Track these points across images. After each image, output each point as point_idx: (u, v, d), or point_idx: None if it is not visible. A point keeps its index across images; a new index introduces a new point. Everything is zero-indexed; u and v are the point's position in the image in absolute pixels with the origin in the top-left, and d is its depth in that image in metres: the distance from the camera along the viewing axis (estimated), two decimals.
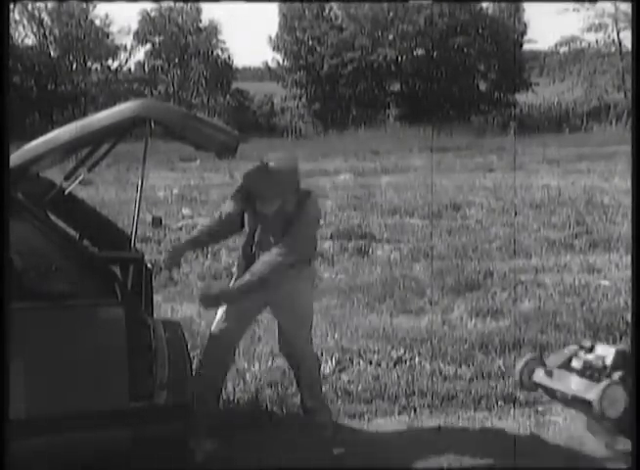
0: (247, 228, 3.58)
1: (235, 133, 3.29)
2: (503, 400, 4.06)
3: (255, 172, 3.48)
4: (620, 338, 4.83)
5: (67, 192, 3.41)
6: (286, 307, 3.58)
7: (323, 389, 3.87)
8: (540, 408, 4.01)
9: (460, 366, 4.49)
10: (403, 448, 3.59)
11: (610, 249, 7.45)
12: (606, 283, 6.20)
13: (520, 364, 3.60)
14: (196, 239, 3.76)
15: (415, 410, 3.96)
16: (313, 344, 3.81)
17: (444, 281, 6.20)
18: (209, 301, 3.54)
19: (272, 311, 3.71)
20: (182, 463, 3.15)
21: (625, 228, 8.16)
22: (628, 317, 5.09)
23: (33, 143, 3.00)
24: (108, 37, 27.79)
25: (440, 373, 4.40)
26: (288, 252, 3.41)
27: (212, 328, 3.59)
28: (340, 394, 4.12)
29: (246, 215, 3.58)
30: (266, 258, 3.42)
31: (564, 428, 3.80)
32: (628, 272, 6.34)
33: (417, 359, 4.56)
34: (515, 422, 3.86)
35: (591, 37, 27.08)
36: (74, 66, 27.55)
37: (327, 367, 4.42)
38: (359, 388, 4.18)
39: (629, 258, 6.84)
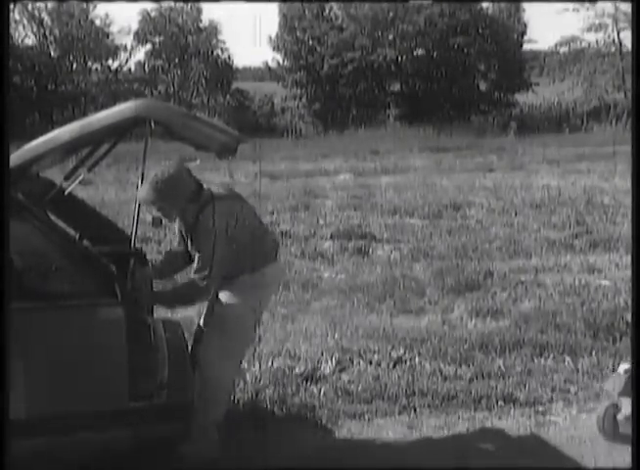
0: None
1: (235, 133, 3.28)
2: (503, 400, 4.06)
3: (143, 187, 3.17)
4: (620, 338, 4.83)
5: (67, 192, 3.41)
6: (208, 313, 3.41)
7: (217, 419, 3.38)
8: (540, 408, 4.01)
9: (460, 366, 4.48)
10: (403, 448, 3.59)
11: (610, 249, 7.45)
12: (606, 283, 6.20)
13: (600, 413, 3.62)
14: (157, 267, 3.53)
15: (415, 410, 3.96)
16: (243, 367, 3.52)
17: (444, 281, 6.20)
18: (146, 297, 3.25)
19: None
20: (181, 463, 3.16)
21: (625, 228, 8.16)
22: (628, 317, 5.09)
23: (33, 143, 3.00)
24: (108, 37, 27.81)
25: (440, 373, 4.40)
26: (197, 269, 3.19)
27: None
28: (340, 394, 4.12)
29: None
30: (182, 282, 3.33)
31: (564, 428, 3.80)
32: (628, 272, 6.34)
33: (417, 359, 4.56)
34: (515, 422, 3.86)
35: (591, 37, 27.18)
36: (75, 66, 27.57)
37: (327, 367, 4.42)
38: (359, 388, 4.17)
39: (629, 257, 6.83)
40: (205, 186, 3.31)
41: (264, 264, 3.37)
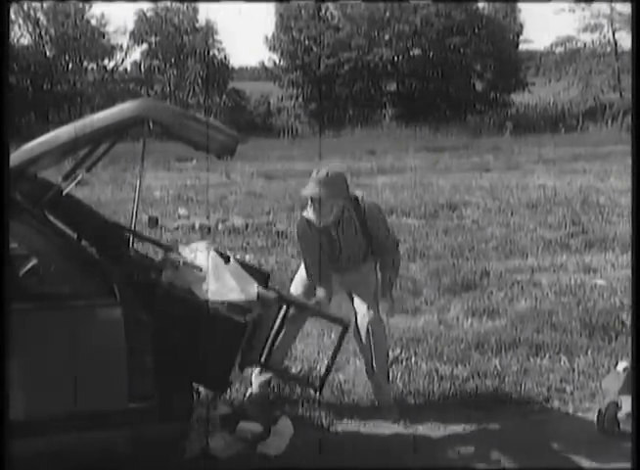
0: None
1: (234, 133, 3.28)
2: (499, 400, 4.07)
3: (311, 185, 3.82)
4: (616, 337, 4.84)
5: (64, 192, 3.41)
6: (361, 286, 4.01)
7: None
8: (536, 408, 4.02)
9: (456, 366, 4.50)
10: (400, 448, 3.60)
11: (605, 248, 7.47)
12: (602, 283, 6.21)
13: (602, 410, 3.64)
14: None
15: (412, 410, 3.96)
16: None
17: (441, 281, 6.21)
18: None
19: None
20: (180, 463, 3.16)
21: (621, 228, 8.18)
22: (624, 317, 5.11)
23: (31, 144, 3.00)
24: (104, 37, 27.75)
25: (437, 373, 4.41)
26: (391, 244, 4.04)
27: None
28: (336, 393, 4.12)
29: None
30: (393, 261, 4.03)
31: (560, 427, 3.81)
32: (624, 272, 6.38)
33: (413, 359, 4.57)
34: (511, 421, 3.86)
35: (587, 38, 27.08)
36: (70, 65, 27.51)
37: (323, 366, 4.42)
38: (355, 387, 4.18)
39: (625, 257, 6.89)
40: None
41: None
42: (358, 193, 4.12)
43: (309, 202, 3.86)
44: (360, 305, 4.00)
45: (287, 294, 3.91)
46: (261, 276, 3.54)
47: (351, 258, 3.98)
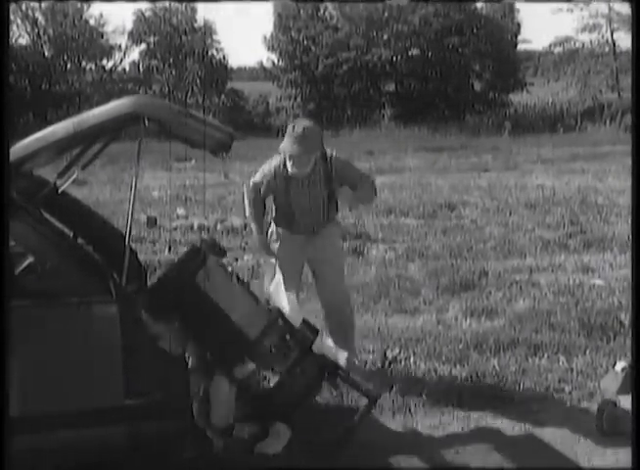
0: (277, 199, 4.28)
1: (229, 130, 3.28)
2: (498, 400, 4.07)
3: (287, 141, 4.04)
4: (614, 337, 4.84)
5: (60, 190, 3.40)
6: (327, 257, 4.28)
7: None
8: (535, 408, 4.02)
9: (455, 366, 4.49)
10: (399, 448, 3.59)
11: (604, 248, 7.47)
12: (600, 282, 6.21)
13: (600, 410, 3.64)
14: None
15: (410, 410, 3.96)
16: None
17: (439, 281, 6.21)
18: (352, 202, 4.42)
19: (313, 264, 4.34)
20: (178, 461, 3.16)
21: (619, 228, 8.19)
22: (622, 317, 5.11)
23: (26, 140, 2.99)
24: (102, 37, 27.76)
25: (435, 372, 4.41)
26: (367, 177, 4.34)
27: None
28: (334, 393, 4.12)
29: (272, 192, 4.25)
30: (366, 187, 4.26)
31: (558, 427, 3.81)
32: (622, 272, 6.38)
33: (412, 359, 4.56)
34: (509, 421, 3.86)
35: (585, 38, 27.12)
36: (69, 65, 27.51)
37: None
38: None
39: (623, 257, 6.89)
40: None
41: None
42: (329, 149, 4.29)
43: (287, 157, 4.08)
44: (328, 280, 4.23)
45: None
46: None
47: (314, 214, 4.20)
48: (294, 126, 4.06)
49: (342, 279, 4.42)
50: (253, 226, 4.41)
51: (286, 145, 4.04)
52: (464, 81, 26.75)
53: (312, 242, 4.29)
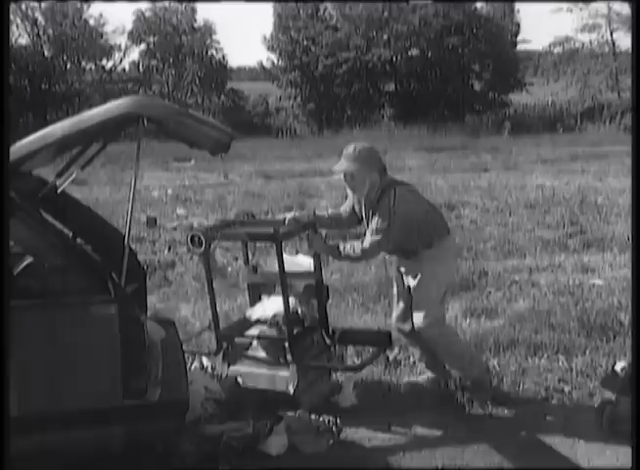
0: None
1: (228, 130, 3.27)
2: (498, 400, 4.06)
3: (341, 161, 3.86)
4: (614, 337, 4.84)
5: (59, 190, 3.40)
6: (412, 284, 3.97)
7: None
8: (535, 408, 4.02)
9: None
10: (399, 448, 3.59)
11: (604, 248, 7.46)
12: (600, 282, 6.21)
13: (599, 409, 3.66)
14: (322, 217, 4.12)
15: (409, 410, 3.95)
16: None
17: None
18: (317, 244, 3.94)
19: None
20: (176, 461, 3.16)
21: (619, 228, 8.18)
22: (622, 317, 5.10)
23: (25, 140, 2.98)
24: (102, 37, 27.80)
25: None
26: (373, 233, 3.82)
27: None
28: (335, 393, 4.11)
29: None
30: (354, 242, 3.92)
31: (559, 427, 3.81)
32: (622, 272, 6.38)
33: (412, 359, 4.56)
34: (510, 421, 3.86)
35: (585, 38, 27.19)
36: (68, 65, 27.54)
37: None
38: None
39: (623, 257, 6.89)
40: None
41: (443, 237, 3.97)
42: (400, 180, 4.02)
43: (342, 178, 3.93)
44: (415, 311, 3.97)
45: None
46: None
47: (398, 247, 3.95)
48: (347, 148, 3.90)
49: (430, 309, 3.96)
50: None
51: (338, 165, 3.89)
52: (464, 81, 26.79)
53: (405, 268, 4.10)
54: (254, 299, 4.21)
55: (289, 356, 3.83)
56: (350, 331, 4.25)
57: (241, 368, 3.93)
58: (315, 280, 4.09)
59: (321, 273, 4.14)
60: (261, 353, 3.90)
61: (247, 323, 4.06)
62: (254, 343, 3.94)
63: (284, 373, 3.81)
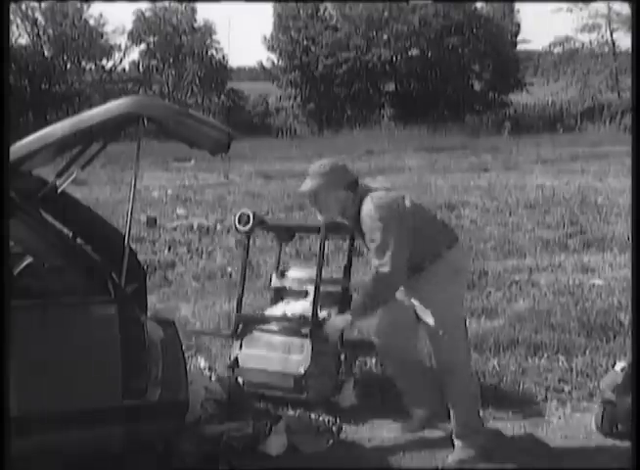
0: None
1: (227, 130, 3.27)
2: (498, 400, 4.06)
3: (305, 181, 3.44)
4: (614, 337, 4.84)
5: (59, 190, 3.40)
6: (423, 307, 3.40)
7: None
8: (535, 408, 4.02)
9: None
10: (399, 448, 3.59)
11: (604, 248, 7.46)
12: (600, 282, 6.21)
13: (598, 410, 3.66)
14: None
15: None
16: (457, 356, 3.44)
17: None
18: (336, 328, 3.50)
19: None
20: (176, 461, 3.16)
21: (619, 228, 8.18)
22: (622, 317, 5.10)
23: (25, 140, 2.99)
24: (102, 37, 27.79)
25: None
26: (377, 262, 3.24)
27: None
28: (335, 394, 4.11)
29: None
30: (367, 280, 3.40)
31: (558, 427, 3.80)
32: (622, 272, 6.38)
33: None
34: (510, 421, 3.86)
35: (585, 38, 27.18)
36: (68, 65, 27.54)
37: None
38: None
39: (623, 257, 6.88)
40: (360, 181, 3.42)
41: (447, 249, 3.38)
42: (378, 186, 3.46)
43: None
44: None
45: None
46: None
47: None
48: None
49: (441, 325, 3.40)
50: None
51: (303, 185, 3.47)
52: (464, 81, 26.78)
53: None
54: (276, 302, 4.25)
55: (306, 341, 3.82)
56: (363, 343, 4.16)
57: (253, 351, 3.96)
58: (342, 287, 4.09)
59: (349, 281, 4.17)
60: (276, 338, 3.94)
61: (266, 318, 4.10)
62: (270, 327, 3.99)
63: (297, 357, 3.84)
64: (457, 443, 3.44)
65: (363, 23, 25.62)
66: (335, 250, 7.58)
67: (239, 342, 4.01)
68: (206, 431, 3.52)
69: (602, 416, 3.63)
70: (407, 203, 3.37)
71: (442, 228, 3.50)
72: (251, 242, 4.28)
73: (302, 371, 3.79)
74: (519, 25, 27.41)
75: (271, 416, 3.74)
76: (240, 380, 4.02)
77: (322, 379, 3.93)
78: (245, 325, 4.05)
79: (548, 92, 27.34)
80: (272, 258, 7.10)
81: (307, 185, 3.41)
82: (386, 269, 3.20)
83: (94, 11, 39.69)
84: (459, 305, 3.54)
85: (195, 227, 8.69)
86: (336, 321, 3.53)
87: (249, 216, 3.99)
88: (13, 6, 24.73)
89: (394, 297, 3.40)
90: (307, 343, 3.84)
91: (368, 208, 3.26)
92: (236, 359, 3.98)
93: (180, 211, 10.01)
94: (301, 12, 26.70)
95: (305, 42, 26.45)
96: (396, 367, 3.67)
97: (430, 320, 3.37)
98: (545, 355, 4.61)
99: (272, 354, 3.91)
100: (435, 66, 26.40)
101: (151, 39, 28.28)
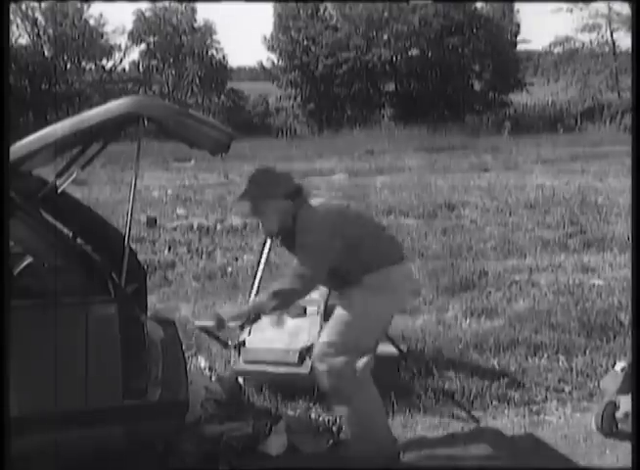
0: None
1: (228, 130, 3.27)
2: (497, 400, 4.06)
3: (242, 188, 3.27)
4: (614, 337, 4.84)
5: (59, 190, 3.40)
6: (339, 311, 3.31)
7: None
8: (535, 408, 4.02)
9: (455, 366, 4.49)
10: (400, 448, 3.59)
11: (604, 248, 7.46)
12: (600, 282, 6.21)
13: (598, 411, 3.66)
14: None
15: (410, 410, 3.96)
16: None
17: (439, 281, 6.20)
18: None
19: None
20: (176, 461, 3.16)
21: (619, 228, 8.18)
22: (622, 317, 5.10)
23: (25, 140, 2.99)
24: (102, 37, 27.78)
25: (435, 373, 4.40)
26: (297, 270, 3.15)
27: None
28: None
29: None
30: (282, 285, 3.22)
31: (558, 427, 3.81)
32: (622, 272, 6.38)
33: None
34: (509, 421, 3.86)
35: (585, 38, 27.16)
36: (69, 65, 27.53)
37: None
38: None
39: (623, 257, 6.89)
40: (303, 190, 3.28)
41: (388, 265, 3.26)
42: (318, 199, 3.32)
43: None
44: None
45: None
46: None
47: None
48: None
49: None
50: None
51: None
52: (464, 81, 26.77)
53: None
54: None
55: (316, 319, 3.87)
56: None
57: (261, 333, 3.98)
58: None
59: None
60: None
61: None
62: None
63: (304, 336, 3.88)
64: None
65: (363, 23, 25.61)
66: None
67: (248, 328, 3.99)
68: (206, 431, 3.52)
69: (602, 416, 3.63)
70: (349, 214, 3.28)
71: (389, 243, 3.38)
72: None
73: (307, 345, 3.78)
74: (519, 25, 27.41)
75: (271, 416, 3.74)
76: (240, 380, 4.02)
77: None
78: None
79: (548, 92, 27.33)
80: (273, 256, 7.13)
81: (244, 193, 3.23)
82: (301, 283, 3.14)
83: (94, 11, 39.69)
84: (377, 329, 3.37)
85: (195, 227, 8.70)
86: (231, 311, 3.53)
87: None
88: (13, 6, 24.72)
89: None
90: (317, 320, 3.87)
91: (304, 218, 3.15)
92: (243, 341, 3.99)
93: (180, 211, 10.01)
94: (301, 12, 26.68)
95: (305, 42, 26.44)
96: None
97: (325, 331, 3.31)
98: (545, 355, 4.62)
99: (279, 335, 3.96)
100: (435, 66, 26.39)
101: (151, 39, 28.27)
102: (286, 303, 3.29)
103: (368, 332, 3.30)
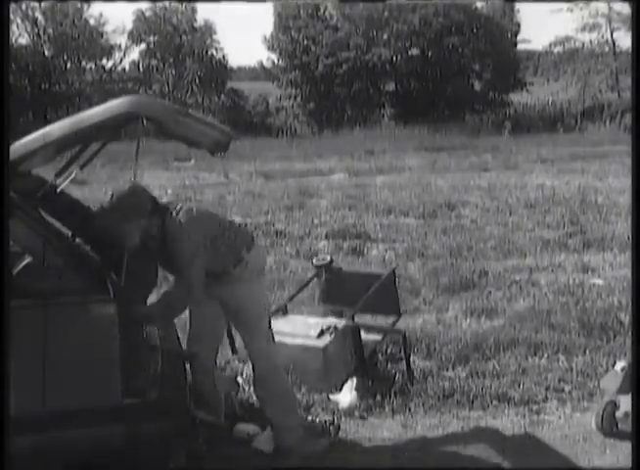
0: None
1: (227, 129, 3.27)
2: (497, 400, 4.06)
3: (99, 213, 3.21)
4: (614, 337, 4.84)
5: (59, 189, 3.40)
6: (230, 310, 3.46)
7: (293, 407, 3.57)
8: (535, 407, 4.02)
9: (455, 366, 4.49)
10: (398, 448, 3.59)
11: (604, 248, 7.46)
12: (600, 282, 6.21)
13: (598, 410, 3.66)
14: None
15: (410, 410, 3.96)
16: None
17: (439, 280, 6.20)
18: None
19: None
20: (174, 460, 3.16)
21: (619, 227, 8.18)
22: (622, 316, 5.11)
23: (24, 140, 2.99)
24: (102, 37, 27.76)
25: (435, 373, 4.40)
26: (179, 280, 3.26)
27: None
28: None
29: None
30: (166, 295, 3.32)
31: (558, 427, 3.80)
32: (622, 271, 6.38)
33: (412, 359, 4.56)
34: (509, 421, 3.86)
35: (585, 37, 27.12)
36: (69, 65, 27.51)
37: None
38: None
39: (623, 257, 6.88)
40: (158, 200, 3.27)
41: (247, 251, 3.40)
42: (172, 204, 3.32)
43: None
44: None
45: None
46: None
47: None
48: None
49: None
50: None
51: None
52: (464, 81, 26.75)
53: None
54: None
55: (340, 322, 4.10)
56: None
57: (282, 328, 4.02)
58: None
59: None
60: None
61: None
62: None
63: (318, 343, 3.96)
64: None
65: (363, 22, 25.60)
66: (335, 249, 7.60)
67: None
68: (207, 431, 3.52)
69: (602, 416, 3.63)
70: (202, 213, 3.36)
71: (239, 232, 3.47)
72: None
73: (324, 344, 3.92)
74: (519, 25, 27.39)
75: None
76: (239, 379, 4.02)
77: (339, 361, 4.01)
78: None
79: (548, 92, 27.32)
80: (273, 256, 7.14)
81: (106, 218, 3.17)
82: (187, 287, 3.22)
83: (94, 11, 39.57)
84: (266, 306, 3.60)
85: None
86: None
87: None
88: (13, 6, 24.71)
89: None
90: (340, 322, 4.08)
91: (170, 229, 3.17)
92: None
93: None
94: (302, 11, 26.68)
95: (305, 42, 26.43)
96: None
97: (243, 327, 3.46)
98: (545, 355, 4.62)
99: (299, 331, 4.07)
100: (435, 65, 26.38)
101: (151, 39, 28.26)
102: (176, 309, 3.38)
103: (264, 316, 3.51)
